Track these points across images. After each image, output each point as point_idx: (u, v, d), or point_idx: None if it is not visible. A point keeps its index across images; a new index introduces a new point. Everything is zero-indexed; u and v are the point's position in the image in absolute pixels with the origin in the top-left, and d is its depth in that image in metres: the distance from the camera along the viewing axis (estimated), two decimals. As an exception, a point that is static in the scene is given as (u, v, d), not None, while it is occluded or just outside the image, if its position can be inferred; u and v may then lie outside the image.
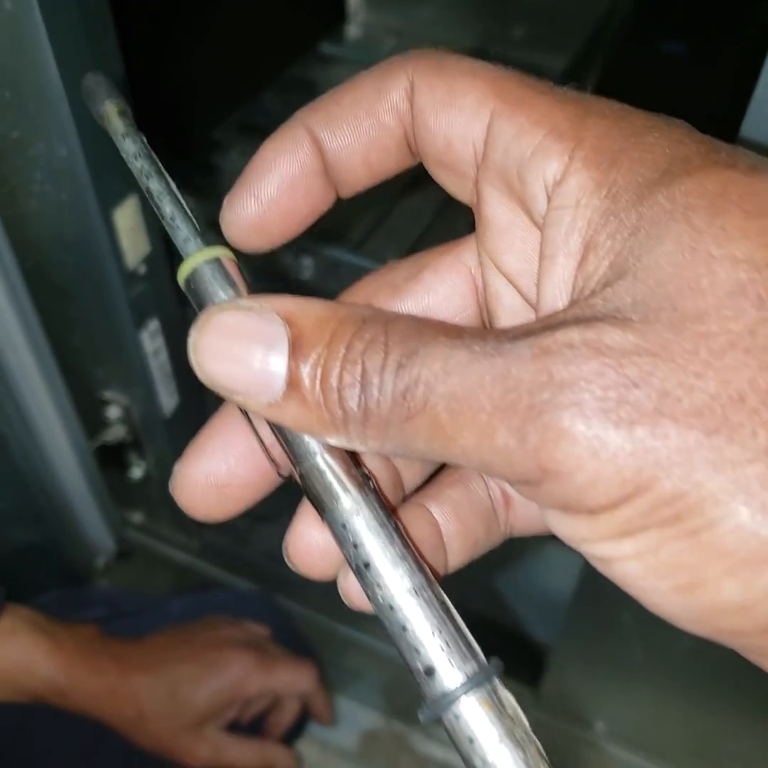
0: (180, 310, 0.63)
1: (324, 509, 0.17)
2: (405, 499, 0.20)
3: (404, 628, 0.16)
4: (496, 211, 0.18)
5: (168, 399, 0.65)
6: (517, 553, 0.79)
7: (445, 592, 0.17)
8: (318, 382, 0.15)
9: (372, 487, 0.17)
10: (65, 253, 0.55)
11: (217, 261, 0.18)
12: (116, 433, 0.66)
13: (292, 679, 0.63)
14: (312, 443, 0.17)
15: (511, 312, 0.19)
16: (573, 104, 0.16)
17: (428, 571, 0.17)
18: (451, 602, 0.17)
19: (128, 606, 0.68)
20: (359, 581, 0.17)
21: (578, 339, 0.14)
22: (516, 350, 0.14)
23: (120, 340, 0.60)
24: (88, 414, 0.66)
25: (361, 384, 0.15)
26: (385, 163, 0.19)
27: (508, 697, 0.16)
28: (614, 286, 0.14)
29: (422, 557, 0.17)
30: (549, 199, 0.16)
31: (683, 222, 0.14)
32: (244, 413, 0.18)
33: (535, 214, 0.17)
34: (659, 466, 0.13)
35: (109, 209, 0.52)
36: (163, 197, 0.19)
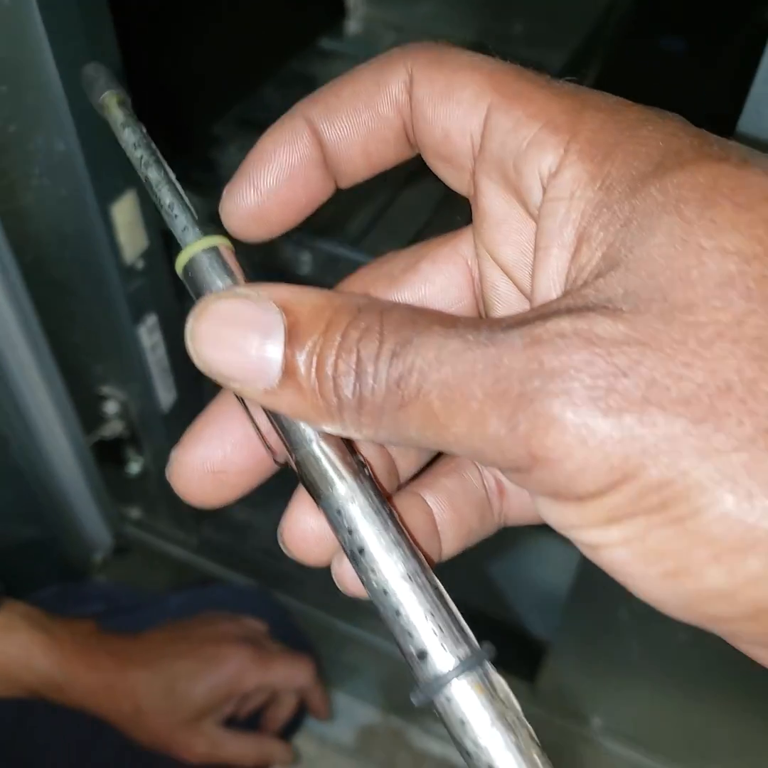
0: (178, 305, 0.63)
1: (319, 496, 0.17)
2: (400, 487, 0.20)
3: (397, 613, 0.16)
4: (493, 203, 0.18)
5: (166, 394, 0.65)
6: (514, 549, 0.79)
7: (442, 585, 0.17)
8: (314, 369, 0.15)
9: (367, 474, 0.17)
10: (63, 247, 0.55)
11: (215, 250, 0.18)
12: (114, 428, 0.66)
13: (290, 675, 0.63)
14: (308, 430, 0.17)
15: (506, 303, 0.19)
16: (569, 98, 0.17)
17: (422, 557, 0.17)
18: (449, 596, 0.17)
19: (126, 602, 0.68)
20: (354, 567, 0.17)
21: (569, 328, 0.14)
22: (508, 340, 0.14)
23: (118, 335, 0.60)
24: (85, 409, 0.66)
25: (356, 372, 0.15)
26: (384, 154, 0.19)
27: (500, 682, 0.16)
28: (606, 276, 0.14)
29: (416, 544, 0.17)
30: (544, 190, 0.16)
31: (675, 214, 0.14)
32: (241, 400, 0.18)
33: (531, 205, 0.17)
34: (646, 453, 0.13)
35: (107, 204, 0.52)
36: (161, 187, 0.19)
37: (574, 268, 0.15)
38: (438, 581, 0.17)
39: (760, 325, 0.13)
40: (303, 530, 0.18)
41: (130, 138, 0.19)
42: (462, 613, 0.17)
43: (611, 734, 0.68)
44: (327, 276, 0.68)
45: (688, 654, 0.57)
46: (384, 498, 0.17)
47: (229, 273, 0.18)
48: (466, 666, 0.16)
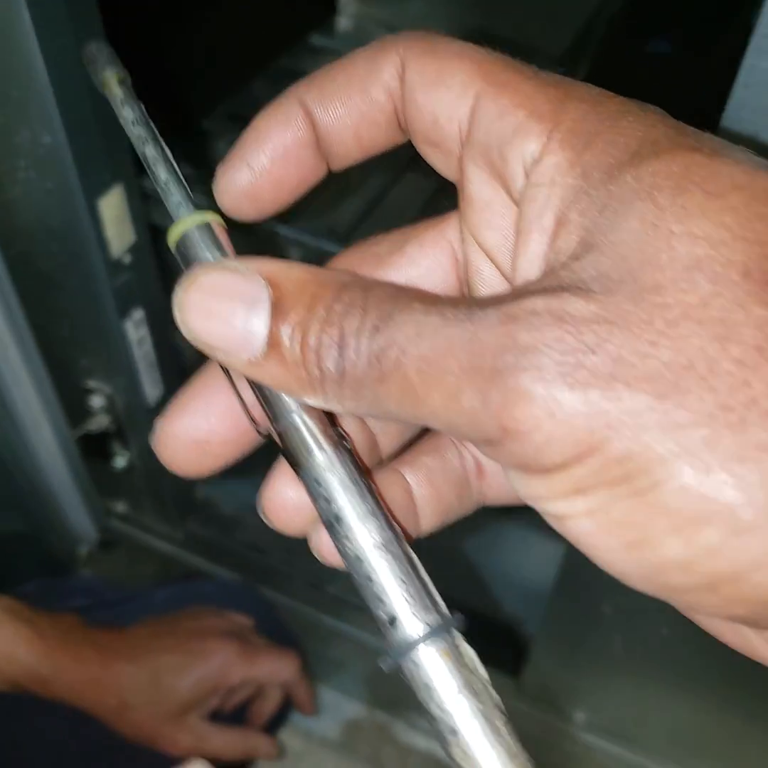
0: (165, 299, 0.63)
1: (299, 465, 0.18)
2: (382, 465, 0.21)
3: (370, 579, 0.17)
4: (478, 188, 0.19)
5: (152, 389, 0.65)
6: (499, 544, 0.79)
7: (417, 557, 0.17)
8: (297, 342, 0.16)
9: (347, 446, 0.18)
10: (50, 241, 0.55)
11: (207, 226, 0.19)
12: (100, 422, 0.66)
13: (275, 669, 0.63)
14: (290, 402, 0.17)
15: (490, 287, 0.20)
16: (554, 88, 0.17)
17: (398, 529, 0.17)
18: (423, 567, 0.17)
19: (111, 596, 0.68)
20: (330, 535, 0.17)
21: (542, 307, 0.14)
22: (485, 317, 0.15)
23: (104, 329, 0.60)
24: (71, 403, 0.66)
25: (339, 345, 0.15)
26: (376, 138, 0.20)
27: (468, 651, 0.16)
28: (581, 259, 0.15)
29: (393, 516, 0.18)
30: (527, 177, 0.17)
31: (648, 200, 0.15)
32: (226, 372, 0.19)
33: (514, 191, 0.17)
34: (610, 427, 0.13)
35: (94, 198, 0.52)
36: (158, 163, 0.19)
37: (552, 252, 0.16)
38: (412, 553, 0.17)
39: (725, 307, 0.14)
40: (283, 500, 0.19)
41: (130, 115, 0.20)
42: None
43: (595, 729, 0.68)
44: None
45: (672, 649, 0.58)
46: (363, 470, 0.18)
47: (220, 248, 0.18)
48: (434, 632, 0.16)
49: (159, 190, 0.19)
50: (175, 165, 0.19)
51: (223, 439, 0.19)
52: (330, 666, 0.75)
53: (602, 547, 0.15)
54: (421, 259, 0.21)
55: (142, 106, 0.20)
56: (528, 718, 0.69)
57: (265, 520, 0.19)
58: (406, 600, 0.16)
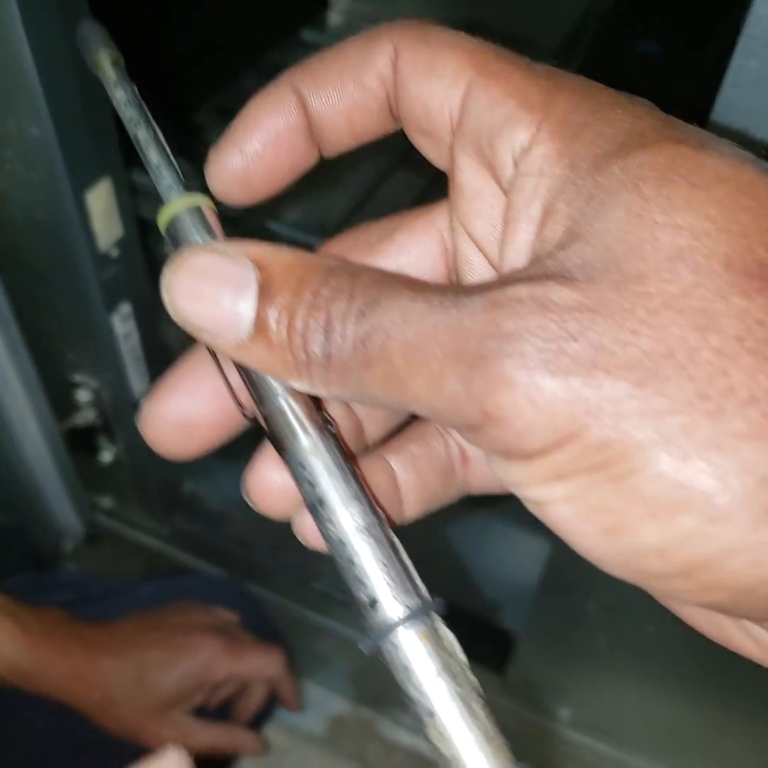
0: (152, 293, 0.63)
1: (284, 449, 0.18)
2: (367, 451, 0.21)
3: (352, 562, 0.17)
4: (468, 177, 0.19)
5: (139, 383, 0.65)
6: (484, 541, 0.80)
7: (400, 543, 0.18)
8: (284, 325, 0.16)
9: (332, 431, 0.18)
10: (36, 234, 0.54)
11: (198, 209, 0.19)
12: (86, 416, 0.65)
13: (260, 665, 0.63)
14: (276, 386, 0.18)
15: (478, 275, 0.20)
16: (545, 79, 0.17)
17: (381, 513, 0.17)
18: (405, 552, 0.17)
19: (96, 590, 0.67)
20: (314, 518, 0.17)
21: (526, 294, 0.14)
22: (470, 304, 0.15)
23: (91, 323, 0.59)
24: (57, 397, 0.65)
25: (325, 330, 0.15)
26: (368, 125, 0.20)
27: (447, 634, 0.17)
28: (567, 248, 0.15)
29: (377, 502, 0.18)
30: (516, 166, 0.17)
31: (634, 191, 0.15)
32: (213, 355, 0.19)
33: (504, 180, 0.18)
34: (590, 414, 0.14)
35: (81, 191, 0.52)
36: (149, 146, 0.19)
37: (538, 241, 0.16)
38: (394, 537, 0.17)
39: (706, 298, 0.14)
40: (268, 483, 0.19)
41: (122, 97, 0.20)
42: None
43: (579, 725, 0.69)
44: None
45: (656, 646, 0.58)
46: (347, 455, 0.18)
47: (209, 231, 0.18)
48: (414, 615, 0.16)
49: (150, 172, 0.19)
50: (167, 148, 0.19)
51: (209, 422, 0.19)
52: (315, 662, 0.75)
53: (580, 533, 0.15)
54: (410, 247, 0.21)
55: (135, 88, 0.20)
56: (512, 714, 0.69)
57: (249, 503, 0.19)
58: (387, 583, 0.17)
